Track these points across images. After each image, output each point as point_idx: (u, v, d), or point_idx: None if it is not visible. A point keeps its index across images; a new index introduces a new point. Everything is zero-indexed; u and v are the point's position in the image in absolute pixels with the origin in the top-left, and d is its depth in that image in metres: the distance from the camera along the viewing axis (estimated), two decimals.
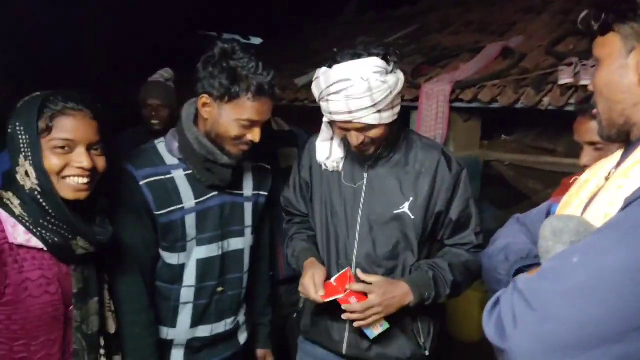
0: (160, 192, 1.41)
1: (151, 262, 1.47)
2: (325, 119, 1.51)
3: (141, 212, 1.40)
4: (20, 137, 1.08)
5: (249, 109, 1.36)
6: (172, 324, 1.51)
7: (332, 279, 1.45)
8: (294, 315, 1.69)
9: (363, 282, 1.41)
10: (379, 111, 1.34)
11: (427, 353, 1.52)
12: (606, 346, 0.65)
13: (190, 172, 1.46)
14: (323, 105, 1.38)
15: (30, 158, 1.08)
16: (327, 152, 1.53)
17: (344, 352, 1.52)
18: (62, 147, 1.10)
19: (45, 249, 1.09)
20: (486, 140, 3.24)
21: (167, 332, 1.51)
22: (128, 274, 1.37)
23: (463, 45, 3.54)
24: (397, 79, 1.36)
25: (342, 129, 1.40)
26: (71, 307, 1.15)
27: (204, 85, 1.36)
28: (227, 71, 1.33)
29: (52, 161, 1.09)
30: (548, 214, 1.09)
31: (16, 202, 1.07)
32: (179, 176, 1.45)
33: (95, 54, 4.42)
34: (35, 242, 1.08)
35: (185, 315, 1.51)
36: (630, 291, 0.65)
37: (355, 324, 1.37)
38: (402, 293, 1.39)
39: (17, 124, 1.08)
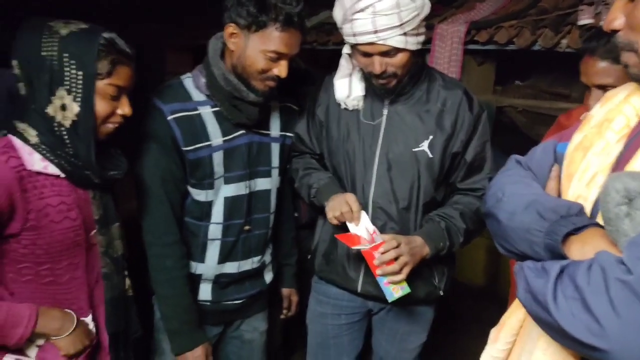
0: (188, 127, 1.39)
1: (180, 197, 1.47)
2: (345, 50, 1.46)
3: (170, 147, 1.39)
4: (67, 69, 1.05)
5: (276, 39, 1.31)
6: (201, 259, 1.53)
7: (354, 231, 1.44)
8: (308, 257, 1.71)
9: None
10: (405, 34, 1.30)
11: (441, 293, 1.56)
12: None
13: (217, 109, 1.44)
14: (346, 28, 1.34)
15: (79, 94, 1.06)
16: (347, 89, 1.49)
17: (359, 289, 1.55)
18: (115, 93, 1.11)
19: (62, 175, 1.10)
20: (499, 86, 3.16)
21: (195, 267, 1.54)
22: (158, 208, 1.40)
23: None
24: (423, 2, 1.32)
25: (365, 54, 1.35)
26: (92, 233, 1.17)
27: (231, 15, 1.32)
28: None
29: (103, 106, 1.10)
30: (555, 154, 0.96)
31: (32, 132, 1.07)
32: (206, 113, 1.43)
33: None
34: (53, 169, 1.08)
35: (213, 251, 1.53)
36: None
37: (389, 270, 1.34)
38: (420, 244, 1.40)
39: (66, 55, 1.04)
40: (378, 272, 1.34)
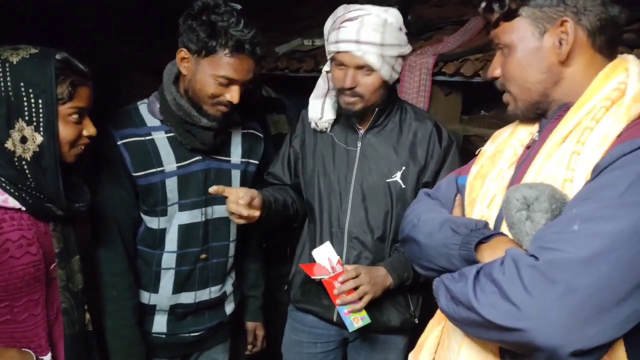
0: (138, 153, 1.37)
1: (132, 224, 1.44)
2: (325, 68, 1.49)
3: (120, 173, 1.37)
4: (25, 99, 0.99)
5: (225, 65, 1.32)
6: (154, 289, 1.49)
7: (318, 261, 1.44)
8: (285, 287, 1.70)
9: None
10: (383, 56, 1.34)
11: (416, 321, 1.57)
12: (620, 305, 0.68)
13: (172, 134, 1.42)
14: (332, 35, 1.38)
15: (40, 124, 1.01)
16: (319, 111, 1.53)
17: (334, 319, 1.55)
18: (78, 117, 1.07)
19: (23, 208, 1.06)
20: (466, 115, 3.25)
21: (149, 297, 1.49)
22: (107, 235, 1.36)
23: (447, 17, 3.51)
24: (407, 41, 1.39)
25: (341, 65, 1.38)
26: (52, 267, 1.13)
27: (183, 39, 1.33)
28: (205, 25, 1.30)
29: (68, 131, 1.06)
30: (457, 186, 1.13)
31: None
32: (160, 138, 1.41)
33: (74, 8, 4.12)
34: (13, 203, 1.04)
35: (167, 281, 1.49)
36: (638, 250, 0.69)
37: (348, 299, 1.37)
38: (383, 275, 1.42)
39: (21, 84, 0.98)
40: (338, 301, 1.37)
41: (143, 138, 1.40)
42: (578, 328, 0.68)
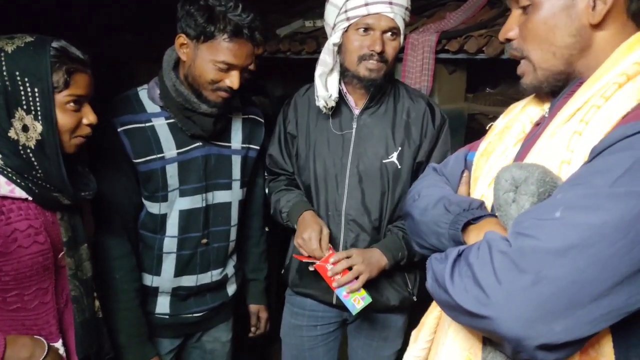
0: (139, 139, 1.38)
1: (133, 209, 1.46)
2: (333, 40, 1.42)
3: (120, 160, 1.38)
4: (21, 88, 0.99)
5: (224, 50, 1.31)
6: (157, 272, 1.51)
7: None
8: (282, 272, 1.70)
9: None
10: (404, 20, 1.37)
11: (415, 299, 1.58)
12: (595, 303, 0.64)
13: (172, 120, 1.42)
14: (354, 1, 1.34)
15: (39, 112, 1.01)
16: (329, 88, 1.49)
17: (334, 301, 1.56)
18: (76, 104, 1.06)
19: (30, 198, 1.06)
20: (471, 93, 3.21)
21: (151, 280, 1.52)
22: (108, 220, 1.37)
23: None
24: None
25: (366, 29, 1.36)
26: (60, 255, 1.14)
27: (182, 25, 1.32)
28: (203, 9, 1.28)
29: (66, 119, 1.05)
30: (465, 162, 1.06)
31: None
32: (160, 124, 1.41)
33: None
34: (20, 192, 1.05)
35: (168, 264, 1.51)
36: (622, 245, 0.63)
37: (344, 280, 1.37)
38: (377, 255, 1.42)
39: (17, 73, 0.99)
40: (334, 284, 1.36)
41: (143, 125, 1.40)
42: (544, 321, 0.64)
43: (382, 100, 1.49)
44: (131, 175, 1.41)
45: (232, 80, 1.35)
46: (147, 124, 1.40)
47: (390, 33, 1.36)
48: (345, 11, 1.37)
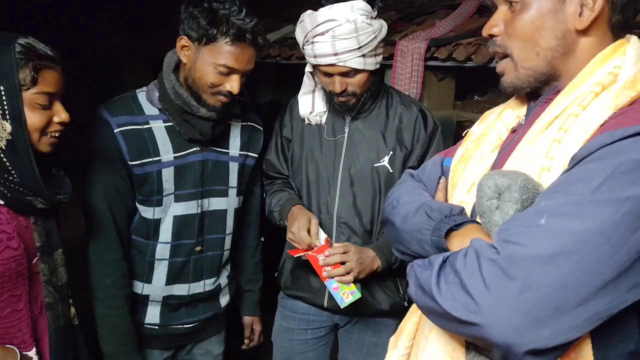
0: (135, 141, 1.35)
1: (126, 213, 1.42)
2: (307, 69, 1.51)
3: (115, 161, 1.35)
4: None
5: (226, 53, 1.29)
6: (148, 279, 1.48)
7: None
8: (275, 275, 1.71)
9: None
10: (364, 55, 1.34)
11: (406, 304, 1.58)
12: (580, 307, 0.65)
13: (170, 124, 1.40)
14: (307, 49, 1.37)
15: (6, 111, 0.98)
16: (310, 106, 1.55)
17: (325, 304, 1.56)
18: (45, 102, 1.03)
19: (1, 202, 1.03)
20: (459, 101, 3.23)
21: (142, 287, 1.48)
22: (101, 223, 1.34)
23: (439, 1, 3.47)
24: (381, 24, 1.36)
25: (326, 74, 1.40)
26: (34, 261, 1.10)
27: (184, 27, 1.31)
28: (206, 12, 1.27)
29: (35, 118, 1.01)
30: (442, 168, 1.06)
31: None
32: (158, 127, 1.39)
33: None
34: None
35: (160, 272, 1.48)
36: (605, 250, 0.64)
37: (335, 272, 1.37)
38: (372, 256, 1.43)
39: None
40: (324, 274, 1.36)
41: (140, 126, 1.37)
42: (532, 327, 0.65)
43: (374, 106, 1.52)
44: (126, 177, 1.38)
45: (232, 84, 1.34)
46: (145, 126, 1.38)
47: (350, 73, 1.37)
48: (306, 54, 1.41)
